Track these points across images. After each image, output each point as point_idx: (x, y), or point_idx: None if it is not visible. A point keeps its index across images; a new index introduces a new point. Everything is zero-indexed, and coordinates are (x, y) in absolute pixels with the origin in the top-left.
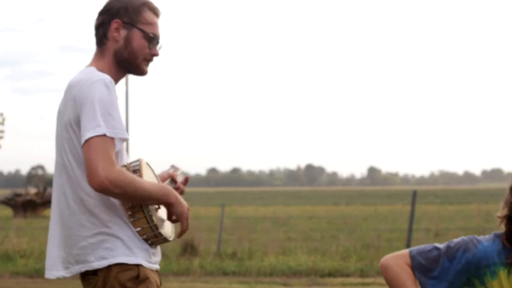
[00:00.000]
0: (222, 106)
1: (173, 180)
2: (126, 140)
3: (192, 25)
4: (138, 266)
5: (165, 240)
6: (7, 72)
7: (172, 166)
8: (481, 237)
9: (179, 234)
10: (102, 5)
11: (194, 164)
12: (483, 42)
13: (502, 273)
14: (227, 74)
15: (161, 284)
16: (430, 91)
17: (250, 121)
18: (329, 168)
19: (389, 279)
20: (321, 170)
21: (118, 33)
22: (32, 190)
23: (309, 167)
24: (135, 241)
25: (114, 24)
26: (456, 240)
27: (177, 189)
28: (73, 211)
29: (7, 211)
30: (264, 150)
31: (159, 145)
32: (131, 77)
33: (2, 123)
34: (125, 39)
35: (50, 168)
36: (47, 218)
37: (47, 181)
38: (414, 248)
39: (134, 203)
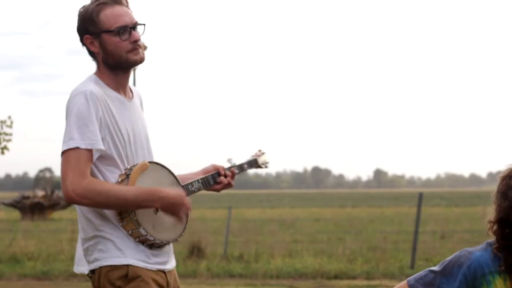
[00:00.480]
0: (229, 108)
1: (218, 173)
2: (102, 151)
3: (191, 26)
4: (128, 265)
5: (161, 242)
6: (14, 75)
7: (228, 160)
8: (472, 248)
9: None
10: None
11: (201, 166)
12: (488, 45)
13: (498, 281)
14: (234, 77)
15: (170, 285)
16: (436, 93)
17: (257, 124)
18: (335, 171)
19: None
20: (327, 172)
21: (94, 46)
22: (40, 193)
23: (316, 170)
24: (127, 242)
25: (87, 40)
26: (448, 258)
27: (219, 183)
28: (79, 215)
29: (15, 214)
30: (270, 152)
31: (167, 147)
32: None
33: (10, 126)
34: (101, 47)
35: (58, 171)
36: (55, 220)
37: (55, 184)
38: (411, 277)
39: (113, 210)
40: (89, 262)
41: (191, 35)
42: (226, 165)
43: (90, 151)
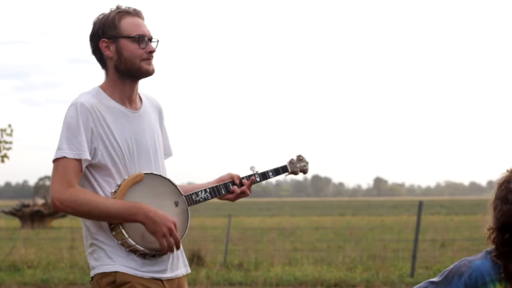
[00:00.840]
0: (230, 116)
1: (232, 182)
2: (88, 161)
3: (194, 29)
4: (116, 272)
5: (152, 252)
6: (15, 84)
7: (251, 168)
8: (472, 257)
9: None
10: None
11: (202, 175)
12: (487, 54)
13: None
14: (235, 85)
15: None
16: (436, 102)
17: (258, 132)
18: (335, 179)
19: None
20: (327, 180)
21: (109, 50)
22: (40, 201)
23: (316, 178)
24: (118, 251)
25: (103, 44)
26: (448, 268)
27: (232, 192)
28: (81, 222)
29: (15, 222)
30: (271, 161)
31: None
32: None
33: (10, 134)
34: (117, 52)
35: None
36: (55, 228)
37: None
38: None
39: (96, 220)
40: (90, 269)
41: (193, 43)
42: (248, 172)
43: (78, 161)
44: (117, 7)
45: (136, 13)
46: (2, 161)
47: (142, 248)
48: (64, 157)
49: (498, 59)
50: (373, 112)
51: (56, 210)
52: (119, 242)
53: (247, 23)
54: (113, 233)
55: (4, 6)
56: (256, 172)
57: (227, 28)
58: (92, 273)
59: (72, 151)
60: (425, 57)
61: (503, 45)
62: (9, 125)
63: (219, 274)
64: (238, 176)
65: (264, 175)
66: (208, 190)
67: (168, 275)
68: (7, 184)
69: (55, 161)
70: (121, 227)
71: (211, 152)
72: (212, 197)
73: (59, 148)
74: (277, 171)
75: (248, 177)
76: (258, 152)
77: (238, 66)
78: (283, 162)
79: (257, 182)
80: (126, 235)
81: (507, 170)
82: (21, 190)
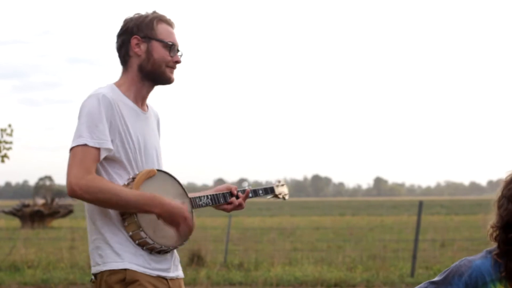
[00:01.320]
0: (229, 117)
1: (230, 193)
2: (110, 150)
3: (189, 25)
4: (125, 269)
5: (161, 246)
6: (15, 84)
7: (243, 182)
8: (472, 257)
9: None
10: (119, 27)
11: (202, 175)
12: (487, 54)
13: None
14: (233, 85)
15: None
16: (436, 102)
17: (257, 132)
18: (335, 179)
19: None
20: (327, 180)
21: (139, 48)
22: (40, 201)
23: (316, 178)
24: (126, 246)
25: (134, 40)
26: (448, 268)
27: (230, 203)
28: (86, 217)
29: (15, 222)
30: (271, 161)
31: (167, 156)
32: None
33: (10, 134)
34: (146, 52)
35: (58, 179)
36: (55, 228)
37: (55, 192)
38: None
39: (113, 209)
40: (92, 267)
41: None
42: (239, 185)
43: (98, 150)
44: (154, 12)
45: (171, 23)
46: (2, 161)
47: (153, 242)
48: (85, 145)
49: (498, 59)
50: (373, 112)
51: (73, 196)
52: (130, 233)
53: (246, 25)
54: (125, 223)
55: (3, 6)
56: (249, 186)
57: (228, 31)
58: (97, 269)
59: (93, 140)
60: (425, 58)
61: (503, 45)
62: (9, 125)
63: (219, 274)
64: (236, 188)
65: (255, 192)
66: (209, 196)
67: (171, 274)
68: (7, 184)
69: (75, 148)
70: (136, 218)
71: (211, 153)
72: (212, 204)
73: (80, 136)
74: (266, 191)
75: (243, 190)
76: (257, 153)
77: (238, 65)
78: (271, 183)
79: (250, 197)
80: (140, 227)
81: None
82: (21, 190)
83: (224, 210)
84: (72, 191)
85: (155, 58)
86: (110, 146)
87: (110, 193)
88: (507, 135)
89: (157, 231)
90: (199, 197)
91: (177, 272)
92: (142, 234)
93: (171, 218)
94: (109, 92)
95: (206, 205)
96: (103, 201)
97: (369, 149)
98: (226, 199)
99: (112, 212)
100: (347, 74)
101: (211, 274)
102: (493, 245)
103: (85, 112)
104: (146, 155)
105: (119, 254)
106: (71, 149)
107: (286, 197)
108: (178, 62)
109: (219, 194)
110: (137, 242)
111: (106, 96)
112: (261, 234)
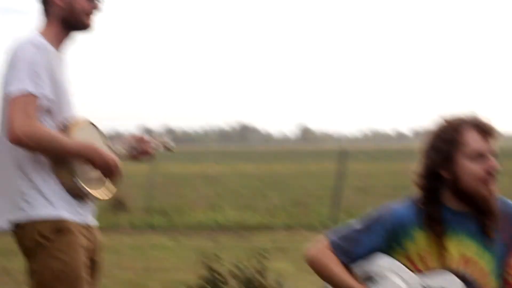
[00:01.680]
0: (156, 64)
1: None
2: (49, 99)
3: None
4: (59, 218)
5: (91, 195)
6: None
7: (149, 132)
8: (394, 203)
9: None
10: None
11: (127, 122)
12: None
13: (420, 235)
14: (160, 29)
15: (94, 240)
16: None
17: (183, 81)
18: (262, 128)
19: (317, 269)
20: (254, 129)
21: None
22: None
23: (243, 127)
24: (58, 193)
25: None
26: (370, 213)
27: (142, 152)
28: (5, 166)
29: None
30: (197, 109)
31: (93, 102)
32: None
33: None
34: (67, 2)
35: None
36: None
37: None
38: (331, 233)
39: (51, 156)
40: (10, 215)
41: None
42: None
43: (38, 98)
44: None
45: None
46: None
47: (86, 190)
48: (29, 92)
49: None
50: (300, 62)
51: (16, 143)
52: (62, 181)
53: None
54: (58, 170)
55: None
56: (160, 137)
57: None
58: (23, 216)
59: (36, 88)
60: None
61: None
62: None
63: (141, 219)
64: (143, 137)
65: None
66: (125, 147)
67: (92, 222)
68: None
69: (17, 96)
70: (70, 165)
71: (134, 99)
72: (126, 154)
73: (21, 83)
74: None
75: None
76: (185, 98)
77: (162, 9)
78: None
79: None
80: (75, 174)
81: (442, 118)
82: None
83: (136, 159)
84: (17, 138)
85: (75, 7)
86: (50, 94)
87: (52, 140)
88: (434, 86)
89: (86, 179)
90: (114, 146)
91: (94, 221)
92: (75, 181)
93: (107, 168)
94: (42, 39)
95: (122, 155)
96: (46, 148)
97: (297, 98)
98: (137, 149)
99: (43, 159)
100: (276, 19)
101: (133, 219)
102: (414, 192)
103: (24, 59)
104: (69, 104)
105: (52, 202)
106: (12, 95)
107: (169, 146)
108: (95, 8)
109: (132, 145)
110: (68, 189)
111: (43, 43)
112: (185, 181)
